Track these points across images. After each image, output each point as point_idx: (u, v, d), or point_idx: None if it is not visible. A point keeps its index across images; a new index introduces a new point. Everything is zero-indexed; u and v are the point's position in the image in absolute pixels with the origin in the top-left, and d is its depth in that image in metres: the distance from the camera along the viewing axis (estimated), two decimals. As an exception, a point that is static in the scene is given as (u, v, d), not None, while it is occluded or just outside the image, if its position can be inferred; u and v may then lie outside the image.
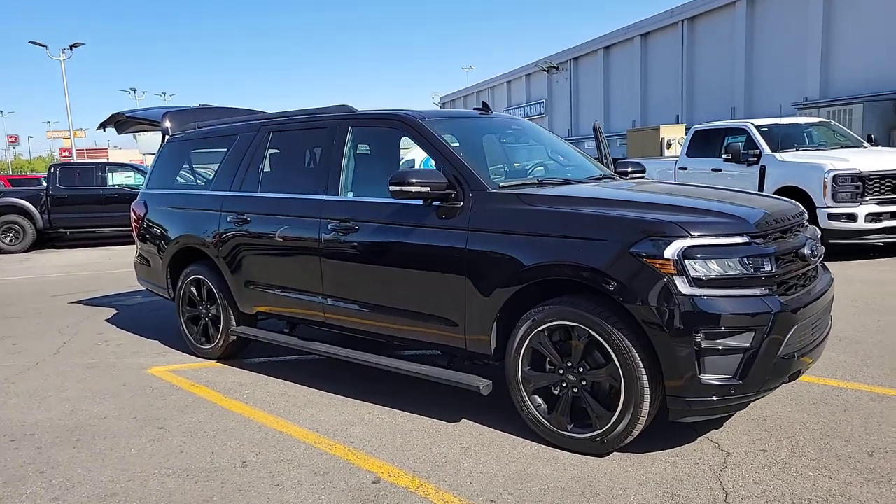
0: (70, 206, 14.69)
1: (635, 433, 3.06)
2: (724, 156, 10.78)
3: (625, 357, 2.97)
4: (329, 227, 4.12)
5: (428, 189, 3.53)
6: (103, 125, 6.48)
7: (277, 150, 4.83)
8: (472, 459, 3.21)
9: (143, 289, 9.00)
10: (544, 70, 43.86)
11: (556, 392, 3.32)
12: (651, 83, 28.40)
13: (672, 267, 2.84)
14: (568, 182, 3.94)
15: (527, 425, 3.43)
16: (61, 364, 5.28)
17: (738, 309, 2.84)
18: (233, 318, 4.99)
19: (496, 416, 3.73)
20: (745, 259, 2.89)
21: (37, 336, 6.29)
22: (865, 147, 10.65)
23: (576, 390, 3.20)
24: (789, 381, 3.13)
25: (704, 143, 12.19)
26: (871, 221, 8.82)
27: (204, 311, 5.22)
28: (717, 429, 3.44)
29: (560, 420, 3.24)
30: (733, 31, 21.53)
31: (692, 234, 2.88)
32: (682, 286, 2.84)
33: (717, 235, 2.91)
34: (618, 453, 3.17)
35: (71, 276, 10.52)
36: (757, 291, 2.90)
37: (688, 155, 12.51)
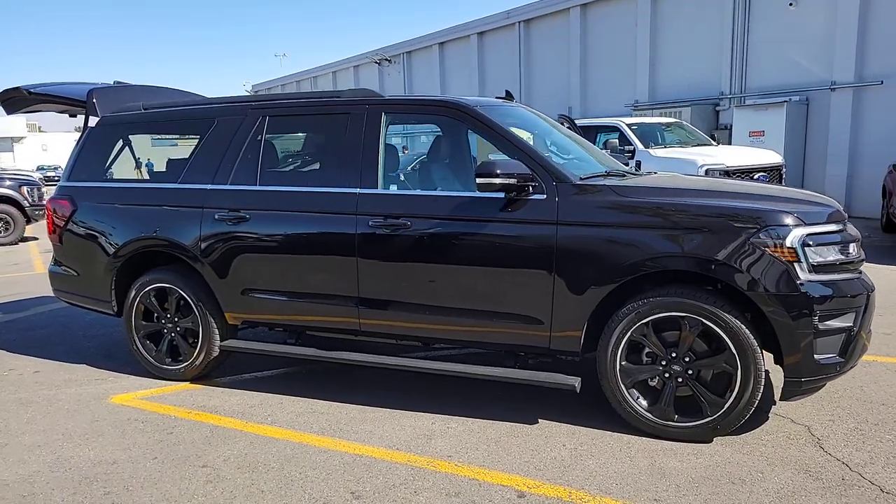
0: None
1: (747, 416, 3.19)
2: (604, 151, 11.53)
3: (742, 344, 3.08)
4: (370, 223, 3.73)
5: (514, 181, 3.36)
6: (-10, 102, 5.21)
7: (279, 139, 4.26)
8: (592, 460, 3.12)
9: (1, 303, 7.55)
10: (375, 62, 43.57)
11: (652, 384, 3.35)
12: (489, 80, 29.50)
13: (793, 254, 3.00)
14: (622, 175, 3.97)
15: (616, 418, 3.42)
16: (-21, 402, 4.21)
17: (846, 291, 3.08)
18: (216, 331, 4.33)
19: (570, 412, 3.67)
20: (842, 245, 3.15)
21: None
22: (715, 145, 12.10)
23: (680, 380, 3.25)
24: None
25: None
26: (736, 210, 10.05)
27: (170, 325, 4.46)
28: (774, 405, 3.70)
29: (666, 411, 3.27)
30: (569, 35, 23.13)
31: (806, 222, 3.07)
32: (802, 272, 3.01)
33: (823, 223, 3.13)
34: (720, 439, 3.27)
35: None
36: (852, 275, 3.17)
37: (604, 148, 13.20)
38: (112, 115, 4.76)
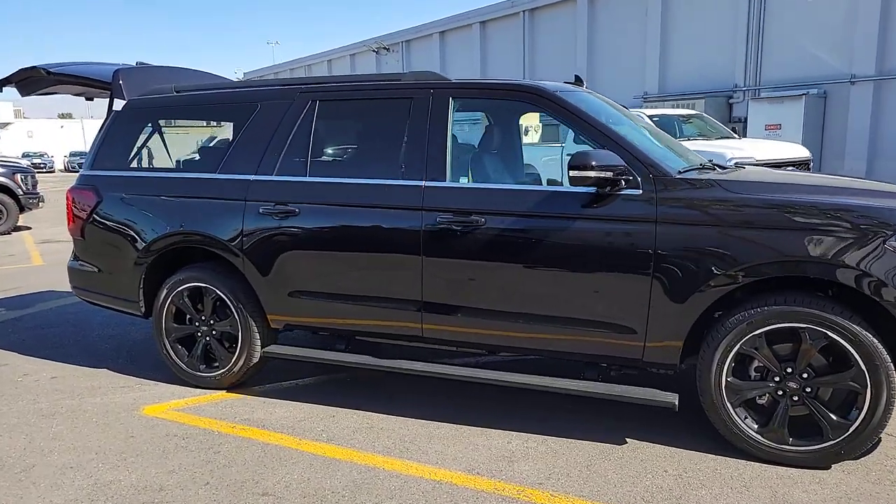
0: None
1: (875, 440, 2.86)
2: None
3: (872, 359, 2.75)
4: (438, 219, 3.37)
5: (610, 174, 3.01)
6: (3, 83, 4.77)
7: (331, 125, 3.88)
8: (703, 490, 2.78)
9: (2, 297, 7.11)
10: (373, 51, 42.94)
11: (761, 402, 3.02)
12: (492, 71, 29.08)
13: (937, 260, 2.67)
14: (713, 168, 3.62)
15: (714, 439, 3.10)
16: (-5, 413, 3.82)
17: None
18: (257, 335, 3.96)
19: (659, 430, 3.34)
20: None
21: None
22: (737, 138, 11.80)
23: (796, 398, 2.92)
24: None
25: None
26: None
27: (205, 328, 4.09)
28: (880, 422, 3.38)
29: (779, 434, 2.94)
30: (575, 24, 22.73)
31: (947, 222, 2.73)
32: (946, 280, 2.67)
33: None
34: (839, 466, 2.95)
35: None
36: None
37: (575, 142, 12.81)
38: (140, 98, 4.35)
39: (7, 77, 4.73)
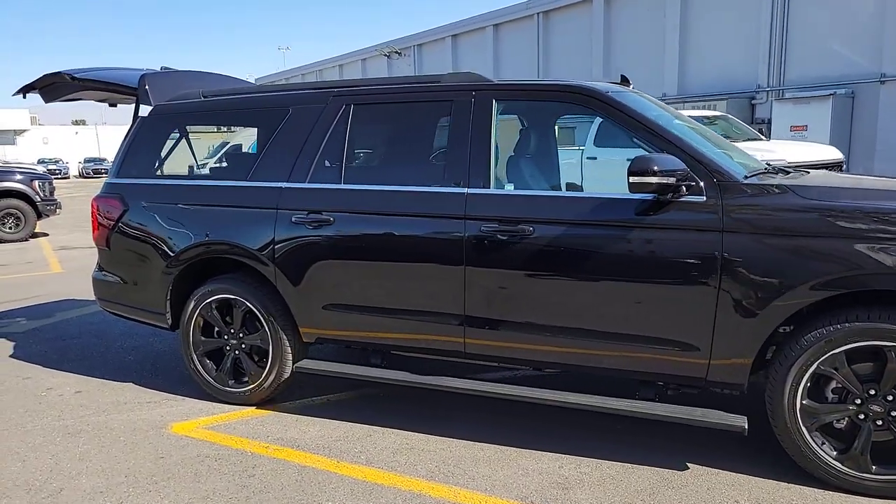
0: None
1: (968, 469, 2.64)
2: (649, 146, 10.93)
3: (969, 382, 2.52)
4: (482, 228, 3.18)
5: (673, 180, 2.80)
6: (26, 89, 4.65)
7: (367, 130, 3.71)
8: (781, 521, 2.57)
9: (23, 306, 6.99)
10: (385, 55, 42.94)
11: (839, 426, 2.80)
12: (505, 73, 28.90)
13: None
14: (776, 172, 3.41)
15: (780, 463, 2.88)
16: (19, 430, 3.66)
17: None
18: (289, 350, 3.79)
19: (717, 454, 3.13)
20: None
21: (-71, 388, 4.40)
22: (764, 139, 11.51)
23: (880, 423, 2.70)
24: None
25: (613, 133, 12.40)
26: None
27: (234, 341, 3.92)
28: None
29: (861, 461, 2.72)
30: (591, 26, 22.48)
31: None
32: None
33: None
34: (924, 491, 2.72)
35: None
36: None
37: (595, 145, 12.58)
38: (167, 104, 4.20)
39: (31, 83, 4.60)
